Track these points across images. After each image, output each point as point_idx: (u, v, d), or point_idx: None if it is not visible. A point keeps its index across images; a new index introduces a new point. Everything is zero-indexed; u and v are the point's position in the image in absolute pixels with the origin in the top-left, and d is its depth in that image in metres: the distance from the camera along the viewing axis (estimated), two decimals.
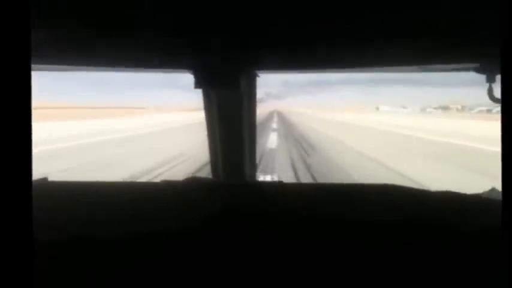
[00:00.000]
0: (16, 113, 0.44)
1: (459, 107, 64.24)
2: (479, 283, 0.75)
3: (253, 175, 1.79)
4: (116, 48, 1.29)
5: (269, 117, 35.36)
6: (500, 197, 0.87)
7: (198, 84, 1.39)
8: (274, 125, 24.70)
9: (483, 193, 1.26)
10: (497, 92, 1.28)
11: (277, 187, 1.36)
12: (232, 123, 1.64)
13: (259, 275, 0.80)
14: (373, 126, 25.55)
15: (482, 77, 1.29)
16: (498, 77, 1.28)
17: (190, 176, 1.33)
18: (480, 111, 45.43)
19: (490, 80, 1.29)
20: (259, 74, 1.59)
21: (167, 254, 0.86)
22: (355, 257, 0.82)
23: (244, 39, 1.21)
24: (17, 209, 0.43)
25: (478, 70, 1.30)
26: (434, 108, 68.98)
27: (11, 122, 0.43)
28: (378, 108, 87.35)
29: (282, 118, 34.71)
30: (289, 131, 19.40)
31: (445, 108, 66.43)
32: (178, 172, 7.76)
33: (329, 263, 0.81)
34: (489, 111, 38.99)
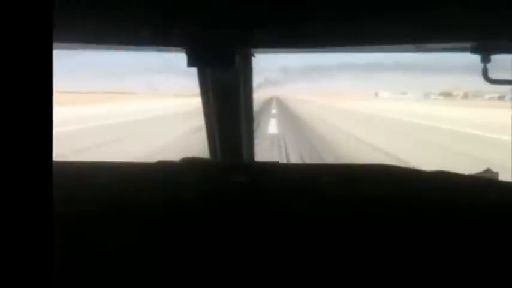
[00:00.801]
0: (37, 94, 0.43)
1: (461, 93, 61.87)
2: (471, 260, 0.75)
3: (251, 155, 1.80)
4: (107, 24, 1.32)
5: (266, 105, 32.83)
6: (494, 177, 1.10)
7: (190, 62, 1.40)
8: (272, 128, 22.61)
9: (477, 173, 1.25)
10: (492, 73, 1.34)
11: (275, 167, 1.32)
12: (228, 103, 1.64)
13: (254, 251, 0.81)
14: (390, 116, 23.07)
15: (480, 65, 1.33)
16: (493, 57, 1.32)
17: (186, 156, 1.29)
18: (491, 99, 43.10)
19: (485, 60, 1.33)
20: (255, 54, 1.60)
21: (163, 231, 0.86)
22: (347, 231, 0.84)
23: (238, 15, 1.25)
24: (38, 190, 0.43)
25: (473, 50, 1.32)
26: (439, 94, 66.37)
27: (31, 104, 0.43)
28: (376, 94, 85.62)
29: (282, 107, 31.89)
30: (294, 127, 16.33)
31: (447, 94, 63.90)
32: None
33: (323, 237, 0.83)
34: (501, 98, 36.58)
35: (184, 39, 1.37)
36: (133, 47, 1.52)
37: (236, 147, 1.71)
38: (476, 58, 1.33)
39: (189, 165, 1.26)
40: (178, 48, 1.44)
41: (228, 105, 1.66)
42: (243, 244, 0.82)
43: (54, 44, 1.21)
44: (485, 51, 1.32)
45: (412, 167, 1.16)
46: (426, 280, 0.73)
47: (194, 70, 1.68)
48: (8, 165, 0.42)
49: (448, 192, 0.99)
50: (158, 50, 1.58)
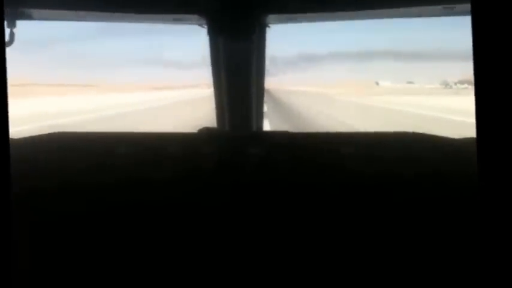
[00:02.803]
0: None
1: None
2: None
3: (260, 126, 1.81)
4: None
5: None
6: None
7: (211, 31, 1.47)
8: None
9: None
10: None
11: (287, 136, 1.35)
12: (240, 74, 1.65)
13: (273, 221, 0.83)
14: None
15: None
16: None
17: (202, 127, 1.32)
18: None
19: None
20: (270, 25, 1.60)
21: (181, 198, 0.88)
22: (365, 202, 0.84)
23: None
24: None
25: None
26: (456, 83, 57.84)
27: None
28: (377, 84, 78.07)
29: (274, 102, 23.55)
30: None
31: (469, 83, 55.79)
32: None
33: (340, 207, 0.83)
34: None
35: (203, 8, 1.43)
36: (150, 15, 1.52)
37: (246, 117, 1.70)
38: None
39: (207, 135, 1.29)
40: (195, 17, 1.49)
41: (240, 76, 1.65)
42: (261, 214, 0.83)
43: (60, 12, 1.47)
44: None
45: (432, 134, 1.14)
46: (427, 250, 0.75)
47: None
48: None
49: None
50: (172, 20, 1.59)
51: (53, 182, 1.00)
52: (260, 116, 1.79)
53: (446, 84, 55.27)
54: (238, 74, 1.65)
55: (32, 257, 0.79)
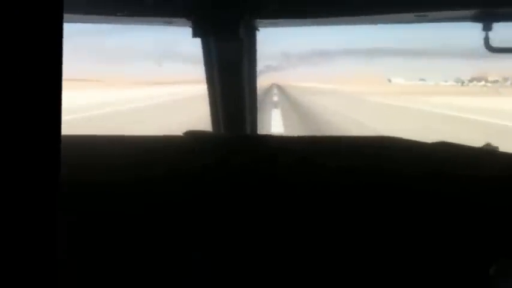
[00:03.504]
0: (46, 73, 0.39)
1: (500, 78, 50.95)
2: (473, 231, 0.76)
3: (254, 128, 1.81)
4: None
5: (266, 93, 24.21)
6: (494, 150, 1.08)
7: (195, 33, 1.42)
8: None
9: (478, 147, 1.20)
10: (494, 41, 1.31)
11: (279, 139, 1.36)
12: (232, 76, 1.65)
13: (259, 221, 0.83)
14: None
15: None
16: (495, 25, 1.32)
17: (188, 130, 1.31)
18: None
19: (487, 28, 1.31)
20: (259, 28, 1.61)
21: (166, 203, 0.88)
22: (350, 202, 0.84)
23: None
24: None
25: (474, 18, 1.32)
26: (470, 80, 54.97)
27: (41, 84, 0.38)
28: (389, 81, 76.09)
29: (291, 104, 21.08)
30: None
31: (485, 80, 52.96)
32: None
33: (326, 209, 0.84)
34: None
35: (190, 9, 1.41)
36: (136, 18, 1.53)
37: (239, 120, 1.72)
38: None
39: (193, 138, 1.26)
40: (182, 19, 1.47)
41: (232, 78, 1.65)
42: (248, 215, 0.83)
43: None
44: (486, 19, 1.30)
45: (413, 139, 1.17)
46: (426, 250, 0.75)
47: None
48: (14, 156, 0.37)
49: (449, 163, 0.99)
50: (163, 22, 1.59)
51: None
52: (254, 118, 1.79)
53: (462, 82, 52.52)
54: (230, 76, 1.65)
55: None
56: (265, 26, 1.60)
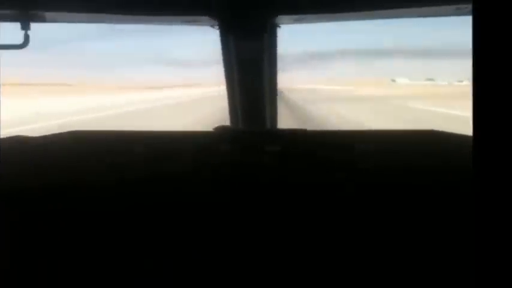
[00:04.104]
0: None
1: None
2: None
3: (274, 124, 1.81)
4: None
5: None
6: None
7: (222, 31, 1.48)
8: None
9: None
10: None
11: (305, 134, 1.36)
12: (252, 72, 1.66)
13: (291, 218, 0.84)
14: None
15: None
16: None
17: (218, 125, 1.35)
18: None
19: None
20: (280, 25, 1.62)
21: (200, 197, 0.90)
22: (384, 202, 0.84)
23: None
24: None
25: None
26: None
27: None
28: (394, 81, 71.91)
29: (287, 107, 16.23)
30: None
31: None
32: None
33: (360, 206, 0.84)
34: None
35: (214, 8, 1.43)
36: (162, 17, 1.53)
37: (259, 115, 1.73)
38: None
39: (223, 134, 1.27)
40: (206, 18, 1.48)
41: (253, 74, 1.66)
42: (280, 211, 0.84)
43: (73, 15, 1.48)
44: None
45: (461, 134, 1.12)
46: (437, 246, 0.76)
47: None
48: None
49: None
50: (186, 22, 1.61)
51: (69, 179, 1.00)
52: (274, 113, 1.80)
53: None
54: (250, 74, 1.65)
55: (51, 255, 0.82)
56: (287, 22, 1.60)
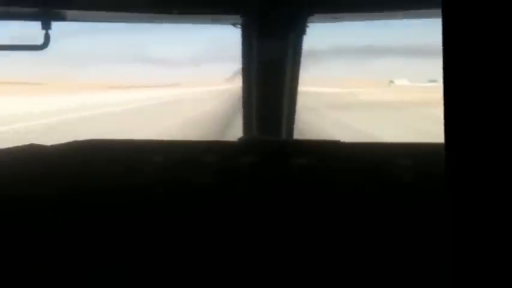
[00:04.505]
0: None
1: None
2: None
3: (290, 133, 1.73)
4: None
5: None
6: None
7: (245, 32, 1.45)
8: None
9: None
10: None
11: (337, 146, 1.27)
12: (274, 77, 1.59)
13: (323, 229, 0.84)
14: None
15: None
16: None
17: (243, 135, 1.35)
18: None
19: None
20: (309, 25, 1.55)
21: (221, 210, 0.90)
22: (423, 216, 0.84)
23: None
24: None
25: None
26: None
27: None
28: (392, 82, 68.29)
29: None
30: None
31: None
32: None
33: (393, 222, 0.84)
34: None
35: (242, 8, 1.41)
36: (187, 16, 1.50)
37: (276, 123, 1.64)
38: None
39: (248, 145, 1.23)
40: (232, 17, 1.46)
41: (274, 79, 1.58)
42: (309, 223, 0.84)
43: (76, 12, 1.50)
44: None
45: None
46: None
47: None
48: None
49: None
50: (212, 20, 1.57)
51: (85, 187, 1.00)
52: (291, 122, 1.71)
53: None
54: (272, 76, 1.57)
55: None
56: (320, 21, 1.54)
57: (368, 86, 45.72)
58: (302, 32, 1.57)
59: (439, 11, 1.15)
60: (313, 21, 1.55)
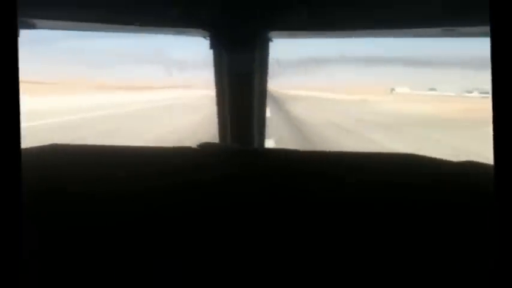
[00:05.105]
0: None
1: None
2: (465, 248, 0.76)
3: (262, 142, 1.85)
4: (128, 3, 1.40)
5: None
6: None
7: (213, 44, 1.53)
8: None
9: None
10: None
11: (294, 154, 1.26)
12: (243, 88, 1.73)
13: (271, 236, 0.80)
14: None
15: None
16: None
17: (203, 142, 1.27)
18: None
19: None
20: (273, 39, 1.67)
21: (182, 213, 0.86)
22: (367, 219, 0.82)
23: None
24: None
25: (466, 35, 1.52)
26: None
27: None
28: (393, 90, 68.81)
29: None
30: None
31: None
32: None
33: (344, 225, 0.81)
34: None
35: (207, 21, 1.48)
36: (154, 28, 1.59)
37: (247, 133, 1.74)
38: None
39: (207, 150, 1.24)
40: (199, 31, 1.56)
41: (243, 90, 1.71)
42: (261, 229, 0.82)
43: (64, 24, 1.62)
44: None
45: (438, 158, 1.08)
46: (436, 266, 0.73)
47: None
48: None
49: (475, 183, 0.94)
50: (179, 33, 1.70)
51: (50, 194, 0.92)
52: (262, 131, 1.76)
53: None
54: (241, 87, 1.66)
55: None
56: (280, 37, 1.64)
57: (370, 93, 46.23)
58: (266, 46, 1.68)
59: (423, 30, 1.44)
60: (277, 37, 1.66)
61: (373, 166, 1.05)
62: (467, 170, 1.03)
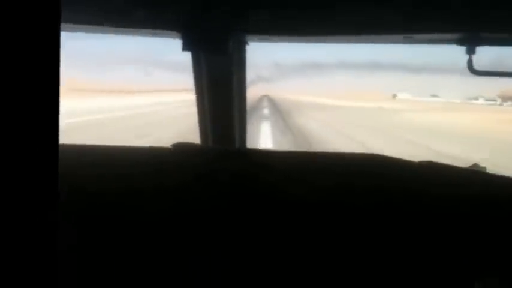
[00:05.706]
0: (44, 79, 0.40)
1: None
2: (458, 250, 0.76)
3: (243, 142, 1.80)
4: (99, 4, 1.32)
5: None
6: (482, 171, 1.08)
7: (185, 46, 1.43)
8: None
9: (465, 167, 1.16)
10: (477, 65, 1.34)
11: (268, 154, 1.27)
12: (221, 90, 1.66)
13: (246, 236, 0.80)
14: None
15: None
16: (478, 49, 1.34)
17: (176, 142, 1.23)
18: None
19: (470, 51, 1.34)
20: (249, 42, 1.61)
21: (156, 214, 0.85)
22: (336, 221, 0.82)
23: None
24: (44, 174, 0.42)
25: (458, 42, 1.35)
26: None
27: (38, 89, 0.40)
28: (395, 96, 68.57)
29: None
30: None
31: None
32: None
33: (313, 225, 0.82)
34: None
35: (180, 22, 1.40)
36: (127, 29, 1.52)
37: (228, 134, 1.70)
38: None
39: (182, 151, 1.20)
40: (173, 32, 1.47)
41: (221, 92, 1.64)
42: (235, 229, 0.81)
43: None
44: (470, 42, 1.31)
45: (403, 158, 1.09)
46: (415, 268, 0.74)
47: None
48: (13, 160, 0.39)
49: (436, 183, 0.97)
50: (152, 34, 1.59)
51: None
52: (243, 132, 1.76)
53: (502, 100, 41.65)
54: (220, 89, 1.63)
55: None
56: (255, 40, 1.58)
57: (373, 100, 45.70)
58: (243, 49, 1.61)
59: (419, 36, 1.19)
60: (251, 41, 1.58)
61: (338, 166, 1.05)
62: (427, 170, 1.02)
